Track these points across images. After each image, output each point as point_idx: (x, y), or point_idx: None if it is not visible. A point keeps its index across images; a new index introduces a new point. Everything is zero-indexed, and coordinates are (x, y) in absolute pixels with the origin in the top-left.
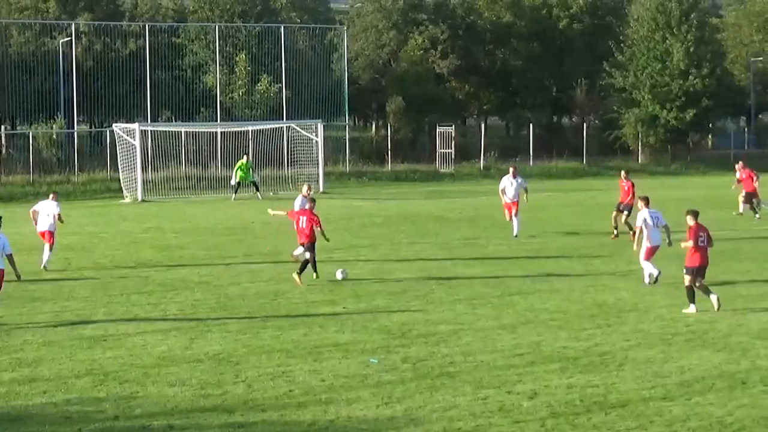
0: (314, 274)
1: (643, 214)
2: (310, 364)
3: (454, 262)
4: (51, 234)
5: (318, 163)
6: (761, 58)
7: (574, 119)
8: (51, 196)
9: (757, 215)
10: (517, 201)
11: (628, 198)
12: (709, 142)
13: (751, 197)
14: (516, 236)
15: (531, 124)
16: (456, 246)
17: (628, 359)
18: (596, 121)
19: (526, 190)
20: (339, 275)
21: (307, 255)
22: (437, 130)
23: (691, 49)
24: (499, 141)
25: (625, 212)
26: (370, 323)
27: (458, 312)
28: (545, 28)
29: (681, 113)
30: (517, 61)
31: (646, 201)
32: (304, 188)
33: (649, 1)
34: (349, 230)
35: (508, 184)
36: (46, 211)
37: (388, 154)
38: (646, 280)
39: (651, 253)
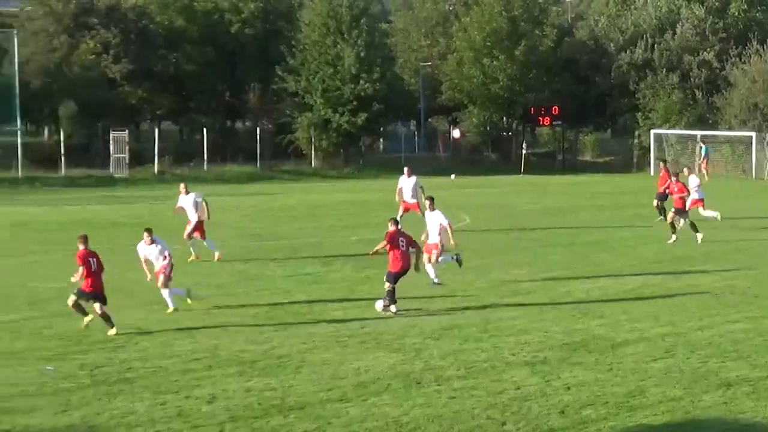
0: None
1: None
2: None
3: (131, 267)
4: None
5: None
6: (429, 63)
7: (247, 123)
8: None
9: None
10: (417, 201)
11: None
12: (381, 146)
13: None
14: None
15: (205, 129)
16: (132, 251)
17: (305, 362)
18: (270, 126)
19: (422, 189)
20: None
21: None
22: (111, 134)
23: (362, 54)
24: (174, 146)
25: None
26: (46, 330)
27: (136, 317)
28: (217, 32)
29: (353, 117)
30: (191, 65)
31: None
32: None
33: (320, 6)
34: (21, 238)
35: (405, 184)
36: None
37: (61, 159)
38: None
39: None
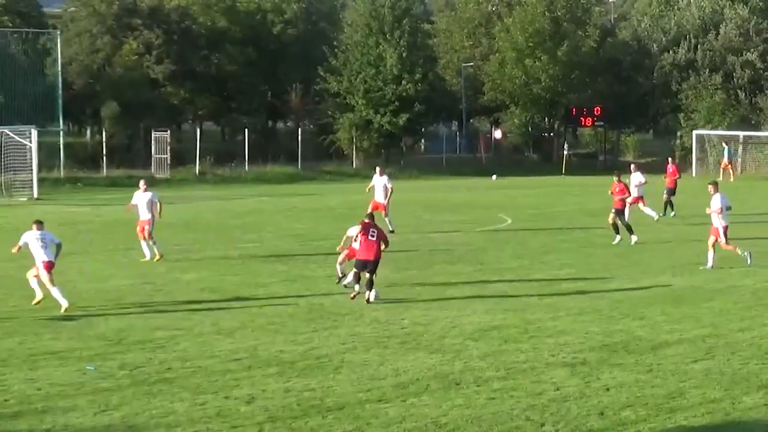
0: None
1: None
2: (26, 372)
3: (171, 267)
4: None
5: (32, 169)
6: (471, 64)
7: (289, 124)
8: None
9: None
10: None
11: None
12: (422, 147)
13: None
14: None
15: (246, 129)
16: (173, 251)
17: (344, 362)
18: (311, 126)
19: (389, 190)
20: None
21: None
22: (153, 135)
23: (404, 55)
24: (215, 146)
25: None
26: (86, 330)
27: (175, 317)
28: (260, 33)
29: (394, 118)
30: (232, 66)
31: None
32: None
33: (362, 7)
34: (64, 237)
35: (376, 183)
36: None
37: (103, 160)
38: None
39: None
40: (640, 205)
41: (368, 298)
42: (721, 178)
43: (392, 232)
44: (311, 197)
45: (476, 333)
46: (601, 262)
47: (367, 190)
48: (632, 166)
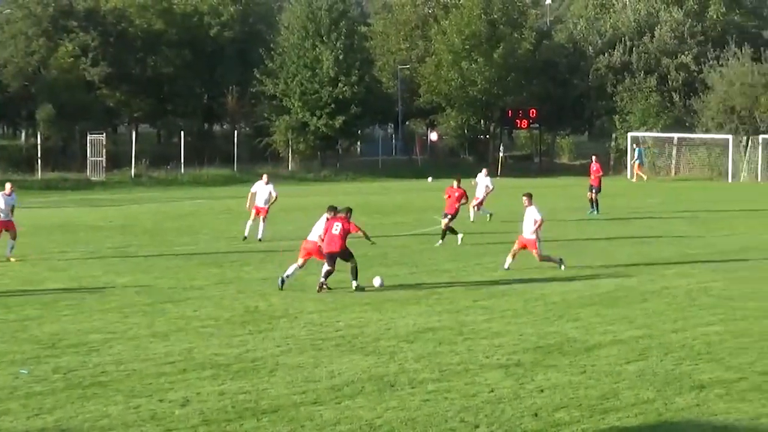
0: None
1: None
2: None
3: (106, 270)
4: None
5: None
6: (408, 66)
7: (225, 126)
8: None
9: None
10: (267, 207)
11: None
12: (358, 149)
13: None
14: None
15: (182, 132)
16: (107, 255)
17: (279, 365)
18: (247, 129)
19: (273, 197)
20: (377, 283)
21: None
22: (88, 137)
23: (340, 57)
24: (151, 148)
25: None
26: (19, 333)
27: (109, 321)
28: (196, 35)
29: (330, 120)
30: (169, 68)
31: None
32: None
33: (299, 9)
34: None
35: (260, 189)
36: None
37: (38, 162)
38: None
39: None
40: (476, 208)
41: (356, 286)
42: (634, 180)
43: (260, 240)
44: (246, 200)
45: (411, 335)
46: (535, 264)
47: (248, 199)
48: (484, 170)
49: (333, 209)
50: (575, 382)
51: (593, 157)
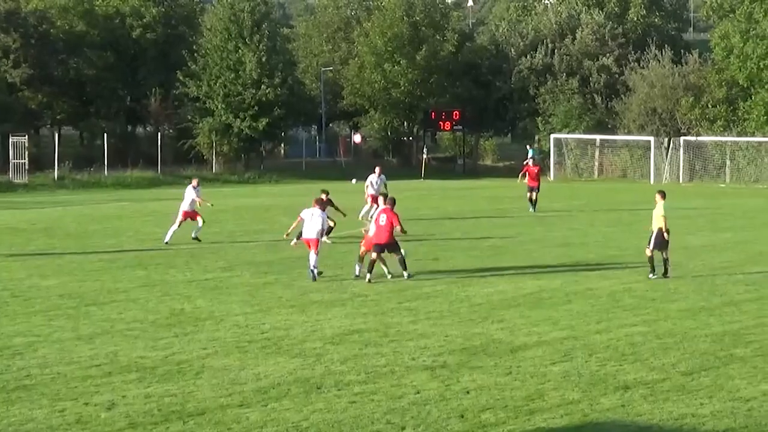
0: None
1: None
2: None
3: (29, 273)
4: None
5: None
6: (331, 68)
7: (149, 128)
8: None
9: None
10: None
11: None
12: (282, 151)
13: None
14: None
15: (105, 134)
16: (32, 257)
17: (205, 367)
18: (171, 131)
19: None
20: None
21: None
22: (10, 139)
23: (263, 59)
24: (74, 151)
25: None
26: None
27: (34, 324)
28: (118, 37)
29: (254, 122)
30: (91, 70)
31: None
32: None
33: (221, 11)
34: None
35: (189, 194)
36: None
37: None
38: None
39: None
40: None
41: (408, 275)
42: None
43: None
44: (171, 202)
45: (337, 337)
46: (461, 266)
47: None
48: (377, 169)
49: (320, 201)
50: (501, 384)
51: (530, 160)
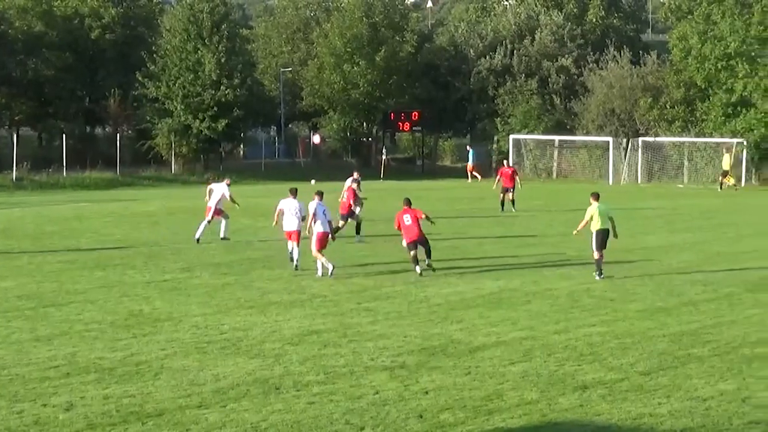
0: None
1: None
2: None
3: None
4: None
5: None
6: (290, 69)
7: (107, 129)
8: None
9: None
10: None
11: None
12: (241, 152)
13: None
14: None
15: (64, 135)
16: None
17: (163, 368)
18: (130, 132)
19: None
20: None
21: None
22: None
23: (223, 60)
24: (32, 152)
25: None
26: None
27: None
28: (77, 38)
29: (213, 123)
30: (50, 71)
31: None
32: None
33: (180, 12)
34: None
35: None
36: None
37: None
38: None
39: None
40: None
41: (428, 264)
42: (469, 181)
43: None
44: (130, 203)
45: (296, 338)
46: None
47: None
48: (355, 173)
49: (320, 193)
50: (460, 384)
51: (504, 161)
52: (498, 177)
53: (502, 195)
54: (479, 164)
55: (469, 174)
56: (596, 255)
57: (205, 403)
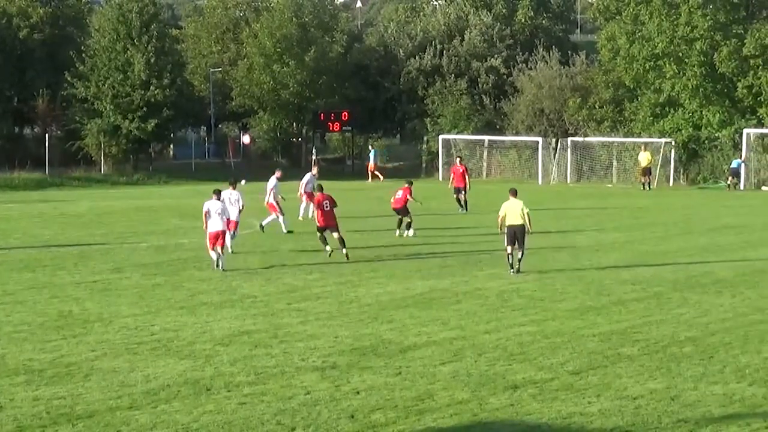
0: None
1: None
2: None
3: None
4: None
5: None
6: (220, 69)
7: (36, 130)
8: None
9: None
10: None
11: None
12: (171, 152)
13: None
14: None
15: None
16: None
17: (94, 369)
18: (59, 132)
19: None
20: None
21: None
22: None
23: (152, 60)
24: None
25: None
26: None
27: None
28: (5, 37)
29: (143, 123)
30: None
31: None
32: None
33: (110, 12)
34: None
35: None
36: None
37: None
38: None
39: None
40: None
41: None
42: (369, 181)
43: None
44: (59, 203)
45: (226, 338)
46: (350, 267)
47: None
48: (277, 171)
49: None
50: (391, 384)
51: (457, 160)
52: (451, 176)
53: (455, 195)
54: (380, 164)
55: (370, 174)
56: (508, 250)
57: (135, 405)
